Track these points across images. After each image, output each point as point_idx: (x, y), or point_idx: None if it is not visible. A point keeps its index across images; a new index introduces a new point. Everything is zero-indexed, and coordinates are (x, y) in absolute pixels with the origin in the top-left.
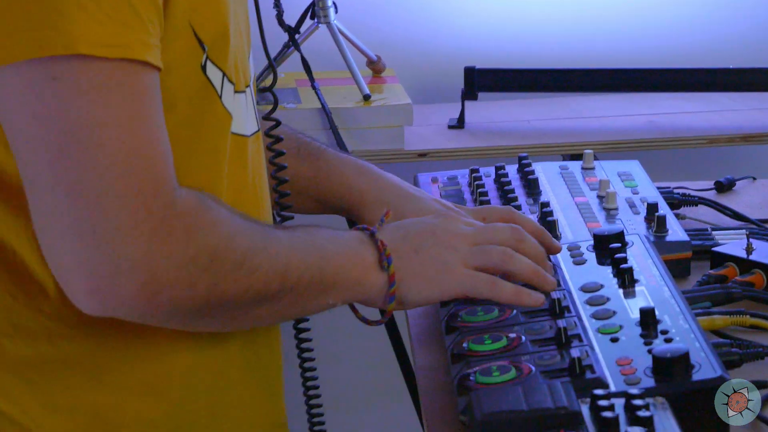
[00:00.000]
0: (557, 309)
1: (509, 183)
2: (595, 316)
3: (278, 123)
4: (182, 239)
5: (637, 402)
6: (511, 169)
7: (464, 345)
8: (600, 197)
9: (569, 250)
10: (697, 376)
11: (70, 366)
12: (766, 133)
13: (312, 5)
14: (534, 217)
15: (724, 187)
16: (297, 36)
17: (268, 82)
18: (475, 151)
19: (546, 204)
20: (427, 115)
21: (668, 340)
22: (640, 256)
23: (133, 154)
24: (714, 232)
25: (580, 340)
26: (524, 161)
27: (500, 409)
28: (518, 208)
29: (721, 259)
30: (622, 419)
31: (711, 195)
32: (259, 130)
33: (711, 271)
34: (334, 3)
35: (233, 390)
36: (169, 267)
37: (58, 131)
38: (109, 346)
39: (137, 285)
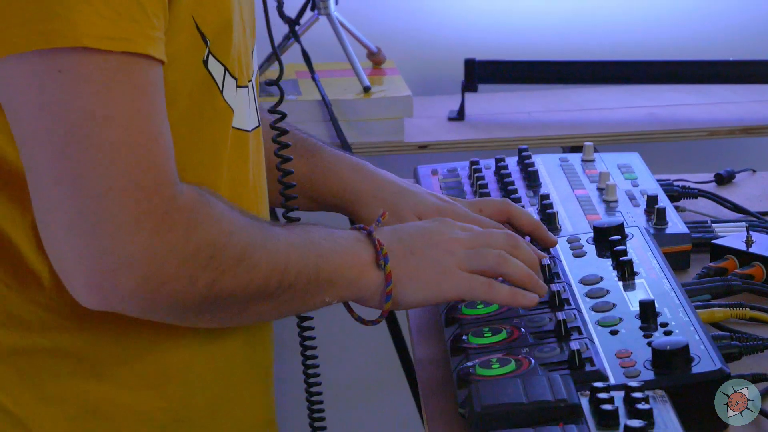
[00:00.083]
0: (557, 301)
1: (509, 175)
2: (595, 309)
3: (284, 115)
4: (183, 234)
5: (637, 395)
6: (511, 161)
7: (464, 337)
8: (600, 189)
9: (569, 243)
10: (696, 368)
11: (63, 357)
12: (766, 125)
13: None
14: (534, 209)
15: (724, 179)
16: (297, 27)
17: (270, 74)
18: (475, 143)
19: (546, 196)
20: (427, 107)
21: (668, 333)
22: (639, 248)
23: (136, 148)
24: (714, 225)
25: (580, 332)
26: (524, 153)
27: (500, 402)
28: (518, 200)
29: (721, 251)
30: (622, 412)
31: (711, 187)
32: (259, 126)
33: (711, 264)
34: None
35: (229, 386)
36: (170, 262)
37: (62, 124)
38: (102, 338)
39: (138, 280)
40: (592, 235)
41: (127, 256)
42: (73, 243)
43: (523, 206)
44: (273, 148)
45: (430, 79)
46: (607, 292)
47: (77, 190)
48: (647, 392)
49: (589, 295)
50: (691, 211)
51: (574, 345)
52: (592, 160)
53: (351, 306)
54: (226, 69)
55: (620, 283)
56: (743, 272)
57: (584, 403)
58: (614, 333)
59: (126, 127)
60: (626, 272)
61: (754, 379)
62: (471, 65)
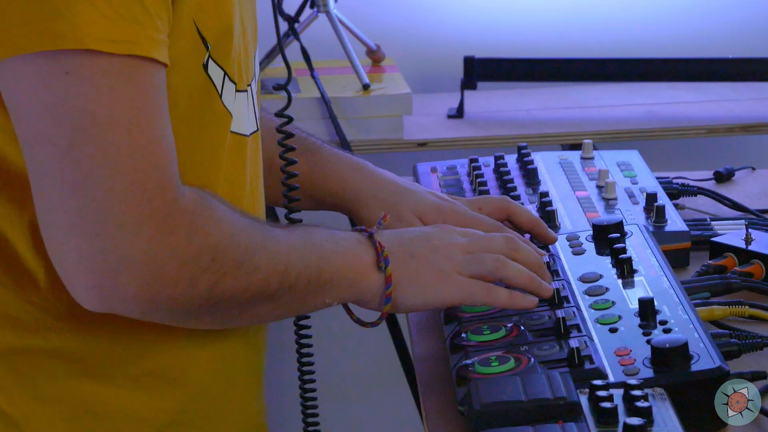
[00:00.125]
0: (556, 299)
1: (508, 173)
2: (594, 307)
3: (290, 119)
4: (185, 237)
5: (636, 392)
6: (511, 159)
7: (463, 335)
8: (599, 187)
9: (568, 240)
10: (695, 366)
11: (58, 357)
12: (765, 123)
13: None
14: (533, 207)
15: (723, 177)
16: (296, 25)
17: (270, 72)
18: (474, 140)
19: (545, 194)
20: (427, 104)
21: (667, 331)
22: (639, 246)
23: (139, 151)
24: (713, 222)
25: (579, 330)
26: (523, 151)
27: (499, 400)
28: (517, 197)
29: (720, 249)
30: (621, 410)
31: (710, 185)
32: (258, 130)
33: (710, 262)
34: None
35: (224, 389)
36: (171, 264)
37: (66, 126)
38: (98, 339)
39: (139, 282)
40: (591, 232)
41: (128, 257)
42: (75, 244)
43: (522, 204)
44: (276, 148)
45: (429, 76)
46: (607, 289)
47: (79, 192)
48: (646, 390)
49: (589, 292)
50: (690, 208)
51: (574, 343)
52: (592, 158)
53: (350, 308)
54: (225, 73)
55: (619, 281)
56: (742, 270)
57: (583, 401)
58: (613, 331)
59: (129, 129)
60: (625, 270)
61: (753, 377)
62: (470, 63)
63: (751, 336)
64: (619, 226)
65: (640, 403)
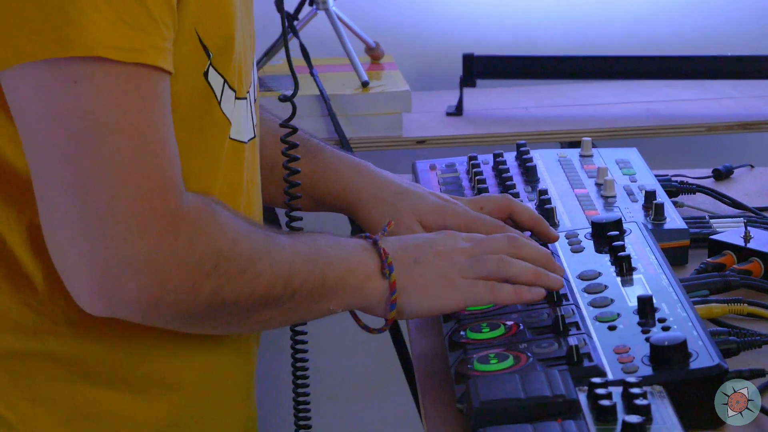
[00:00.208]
0: (555, 297)
1: (507, 170)
2: (593, 304)
3: (295, 130)
4: (188, 243)
5: (635, 390)
6: (510, 157)
7: (462, 333)
8: (598, 185)
9: (567, 238)
10: (694, 364)
11: (55, 360)
12: (764, 120)
13: None
14: (532, 205)
15: (722, 174)
16: (295, 22)
17: (268, 69)
18: (473, 138)
19: (544, 191)
20: (426, 102)
21: (666, 329)
22: (637, 243)
23: (143, 158)
24: (712, 220)
25: (578, 328)
26: (522, 149)
27: (498, 397)
28: (516, 195)
29: (719, 247)
30: (620, 407)
31: (709, 183)
32: (255, 137)
33: (709, 259)
34: None
35: (218, 393)
36: (174, 270)
37: (73, 132)
38: (95, 343)
39: (141, 287)
40: (590, 230)
41: (131, 262)
42: (78, 249)
43: (521, 201)
44: (277, 150)
45: (428, 74)
46: (605, 287)
47: (83, 197)
48: (645, 388)
49: (587, 290)
50: (689, 206)
51: (572, 340)
52: (591, 156)
53: (357, 314)
54: (225, 81)
55: (618, 279)
56: (741, 268)
57: (582, 398)
58: (612, 328)
59: (133, 136)
60: (624, 268)
61: (752, 374)
62: (469, 60)
63: (750, 334)
64: (618, 224)
65: (638, 401)
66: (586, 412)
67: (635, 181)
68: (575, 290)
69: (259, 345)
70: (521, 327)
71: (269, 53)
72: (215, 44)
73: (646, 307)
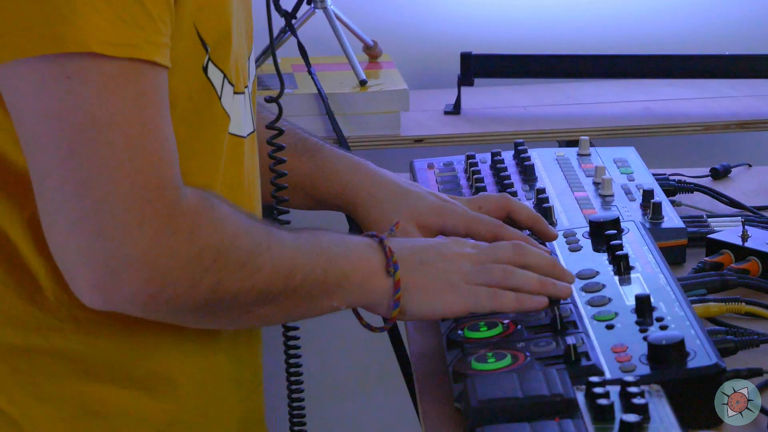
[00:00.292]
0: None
1: (505, 169)
2: (591, 303)
3: (281, 132)
4: (186, 237)
5: (633, 389)
6: (507, 156)
7: (459, 332)
8: (596, 184)
9: (565, 237)
10: (692, 363)
11: (59, 357)
12: (762, 120)
13: None
14: (530, 204)
15: (719, 174)
16: (293, 21)
17: (266, 68)
18: (471, 137)
19: (542, 190)
20: (424, 100)
21: (663, 328)
22: (635, 242)
23: (140, 152)
24: (709, 219)
25: (576, 327)
26: (520, 147)
27: (496, 396)
28: (514, 194)
29: (717, 246)
30: (618, 406)
31: (707, 182)
32: (254, 131)
33: (706, 258)
34: None
35: (221, 388)
36: (173, 265)
37: (68, 128)
38: (99, 339)
39: (140, 282)
40: (587, 229)
41: (130, 257)
42: (77, 244)
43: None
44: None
45: (426, 72)
46: (603, 286)
47: (81, 193)
48: (643, 387)
49: (585, 289)
50: (686, 205)
51: (570, 339)
52: (588, 155)
53: (359, 313)
54: (224, 76)
55: (616, 278)
56: (739, 267)
57: (580, 397)
58: (610, 327)
59: (130, 131)
60: (622, 267)
61: (750, 373)
62: (467, 59)
63: (748, 333)
64: (615, 223)
65: (636, 400)
66: (583, 411)
67: (633, 180)
68: (573, 289)
69: (262, 342)
70: (519, 326)
71: (267, 52)
72: (213, 39)
73: (643, 306)
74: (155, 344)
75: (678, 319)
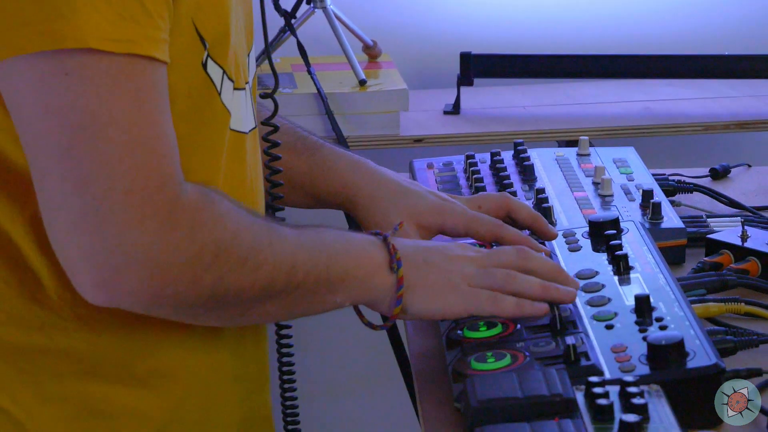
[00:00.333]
0: None
1: (505, 169)
2: (590, 303)
3: (276, 128)
4: (187, 234)
5: (632, 389)
6: (507, 155)
7: (459, 331)
8: (595, 184)
9: (564, 237)
10: (691, 363)
11: (62, 356)
12: (761, 120)
13: None
14: (529, 204)
15: (719, 174)
16: (293, 21)
17: (266, 68)
18: (470, 136)
19: (541, 190)
20: (423, 100)
21: (663, 328)
22: (635, 243)
23: (139, 148)
24: (709, 219)
25: (575, 327)
26: (520, 147)
27: (495, 396)
28: (513, 194)
29: (716, 246)
30: (617, 406)
31: (706, 182)
32: (255, 127)
33: (706, 259)
34: None
35: (225, 385)
36: (174, 261)
37: (67, 125)
38: (102, 338)
39: (142, 278)
40: (587, 229)
41: (131, 254)
42: (79, 241)
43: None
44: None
45: (425, 72)
46: (603, 286)
47: (82, 190)
48: (642, 387)
49: (585, 289)
50: (686, 205)
51: (570, 339)
52: (588, 155)
53: (361, 311)
54: (224, 72)
55: (615, 278)
56: (738, 267)
57: (579, 397)
58: (609, 327)
59: (129, 127)
60: (621, 267)
61: (749, 374)
62: (467, 59)
63: (747, 333)
64: (615, 223)
65: (636, 400)
66: (583, 411)
67: (632, 180)
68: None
69: (267, 339)
70: (518, 326)
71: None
72: (211, 35)
73: (643, 306)
74: (158, 341)
75: (677, 319)
